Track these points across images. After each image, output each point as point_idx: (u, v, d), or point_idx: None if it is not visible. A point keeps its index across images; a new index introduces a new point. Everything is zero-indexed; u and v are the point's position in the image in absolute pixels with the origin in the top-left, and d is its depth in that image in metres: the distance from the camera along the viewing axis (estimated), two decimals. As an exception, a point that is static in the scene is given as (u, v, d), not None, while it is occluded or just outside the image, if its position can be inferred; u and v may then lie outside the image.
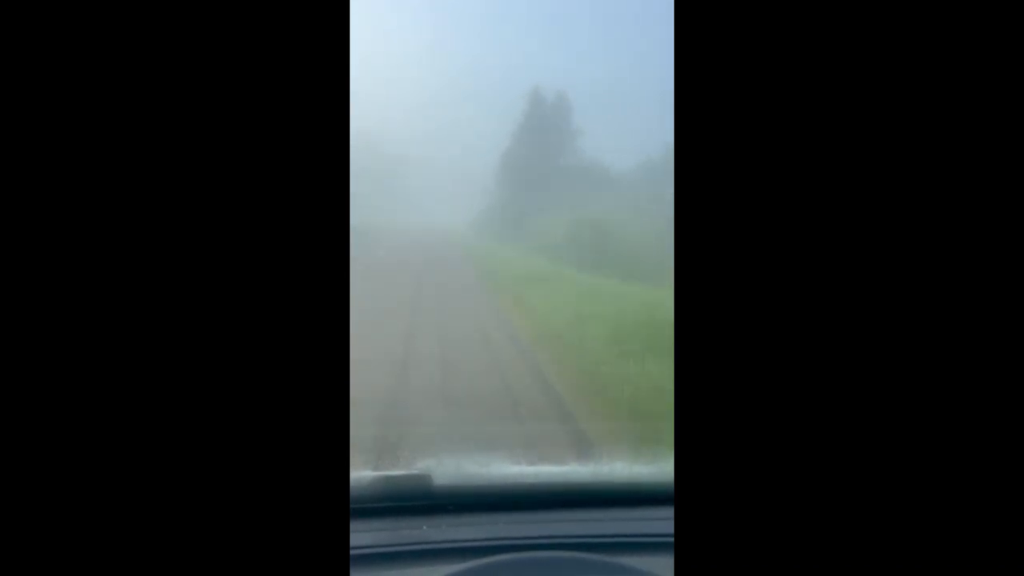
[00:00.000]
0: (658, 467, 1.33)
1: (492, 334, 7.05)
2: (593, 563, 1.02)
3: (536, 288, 10.40)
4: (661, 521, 1.12)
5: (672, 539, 0.74)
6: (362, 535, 1.10)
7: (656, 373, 5.01)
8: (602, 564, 1.02)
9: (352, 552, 0.93)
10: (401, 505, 1.24)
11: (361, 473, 1.22)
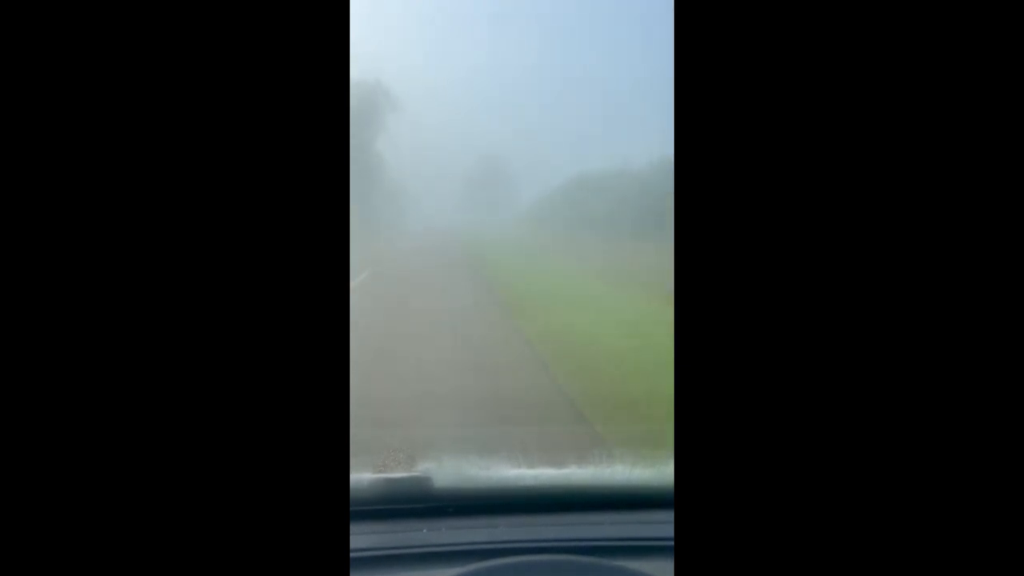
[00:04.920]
0: (658, 470, 1.33)
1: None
2: (593, 567, 1.02)
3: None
4: (661, 524, 1.12)
5: (672, 543, 0.74)
6: (362, 537, 1.10)
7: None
8: (602, 568, 1.02)
9: (352, 554, 0.93)
10: (401, 508, 1.24)
11: (361, 475, 1.22)
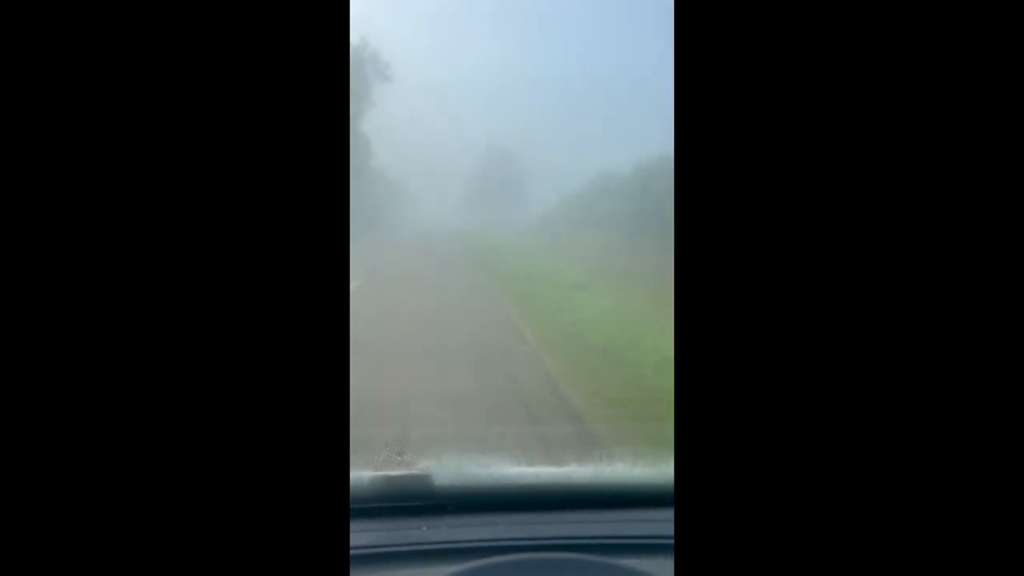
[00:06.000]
0: (658, 468, 1.33)
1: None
2: (593, 564, 1.02)
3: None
4: (661, 523, 1.12)
5: (672, 541, 0.74)
6: (362, 535, 1.10)
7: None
8: (602, 565, 1.02)
9: (352, 552, 0.93)
10: (401, 505, 1.24)
11: (361, 473, 1.22)
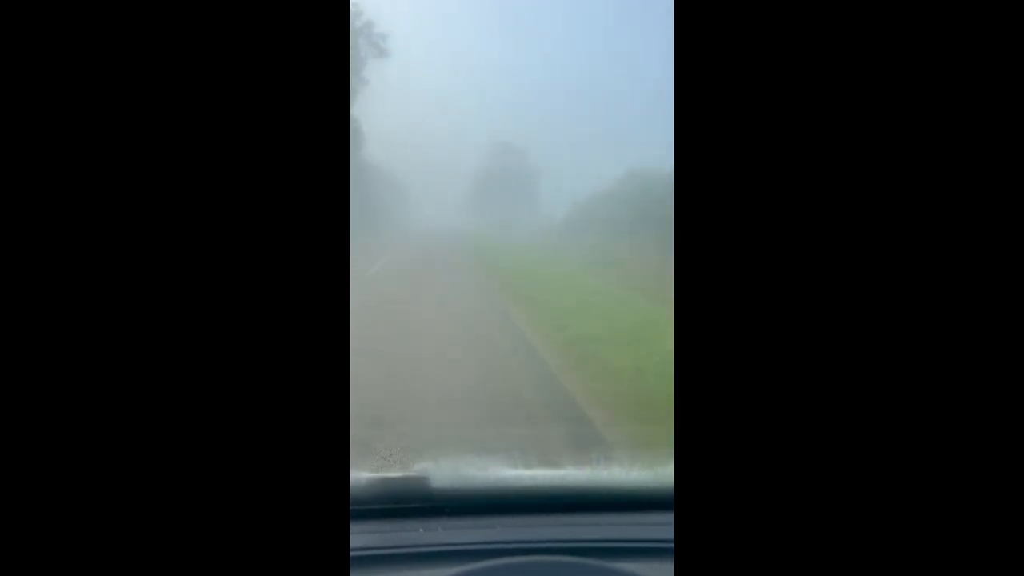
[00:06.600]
0: (655, 471, 1.33)
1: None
2: (591, 568, 1.02)
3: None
4: (661, 526, 1.12)
5: (672, 545, 0.74)
6: (358, 537, 1.09)
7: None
8: (600, 569, 1.02)
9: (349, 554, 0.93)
10: (398, 507, 1.24)
11: (359, 474, 1.22)
